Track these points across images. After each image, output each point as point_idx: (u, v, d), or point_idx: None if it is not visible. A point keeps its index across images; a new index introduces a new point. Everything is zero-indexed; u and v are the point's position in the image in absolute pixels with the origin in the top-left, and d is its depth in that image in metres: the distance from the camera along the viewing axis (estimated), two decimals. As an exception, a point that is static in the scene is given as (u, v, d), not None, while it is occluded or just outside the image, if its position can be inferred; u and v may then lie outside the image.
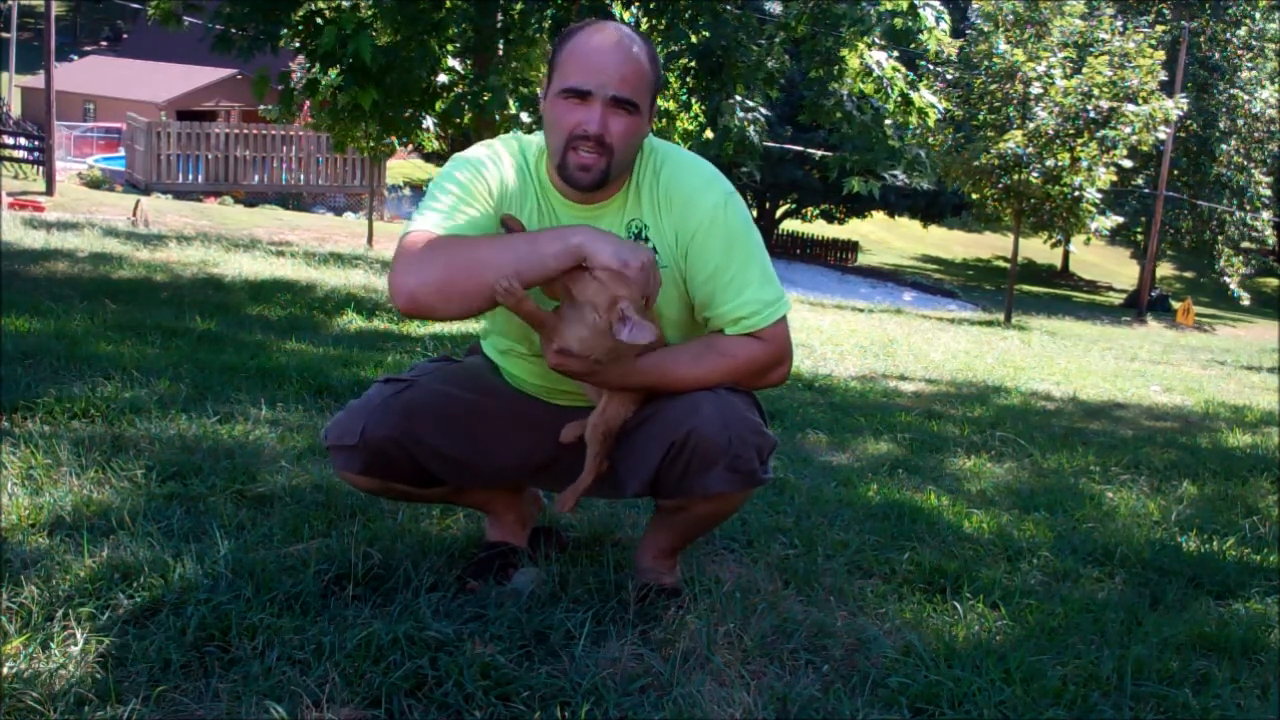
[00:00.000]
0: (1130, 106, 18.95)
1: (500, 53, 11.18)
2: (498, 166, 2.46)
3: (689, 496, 2.46)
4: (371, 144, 16.65)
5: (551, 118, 2.40)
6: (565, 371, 2.39)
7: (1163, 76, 20.17)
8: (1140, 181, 33.67)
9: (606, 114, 2.35)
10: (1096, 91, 19.00)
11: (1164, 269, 44.19)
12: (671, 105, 12.41)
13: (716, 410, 2.37)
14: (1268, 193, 35.78)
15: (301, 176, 29.90)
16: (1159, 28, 22.22)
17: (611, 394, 2.47)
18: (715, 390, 2.41)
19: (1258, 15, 36.00)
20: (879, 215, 42.31)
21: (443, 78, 10.88)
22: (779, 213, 40.94)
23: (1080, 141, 19.04)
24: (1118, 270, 45.05)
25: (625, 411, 2.47)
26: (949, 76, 21.07)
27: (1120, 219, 24.11)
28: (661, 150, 2.52)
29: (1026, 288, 36.51)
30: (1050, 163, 19.10)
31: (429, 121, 11.76)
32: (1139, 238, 37.15)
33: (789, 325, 2.53)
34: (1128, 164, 20.32)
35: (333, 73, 10.65)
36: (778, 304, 2.49)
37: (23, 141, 29.31)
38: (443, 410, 2.54)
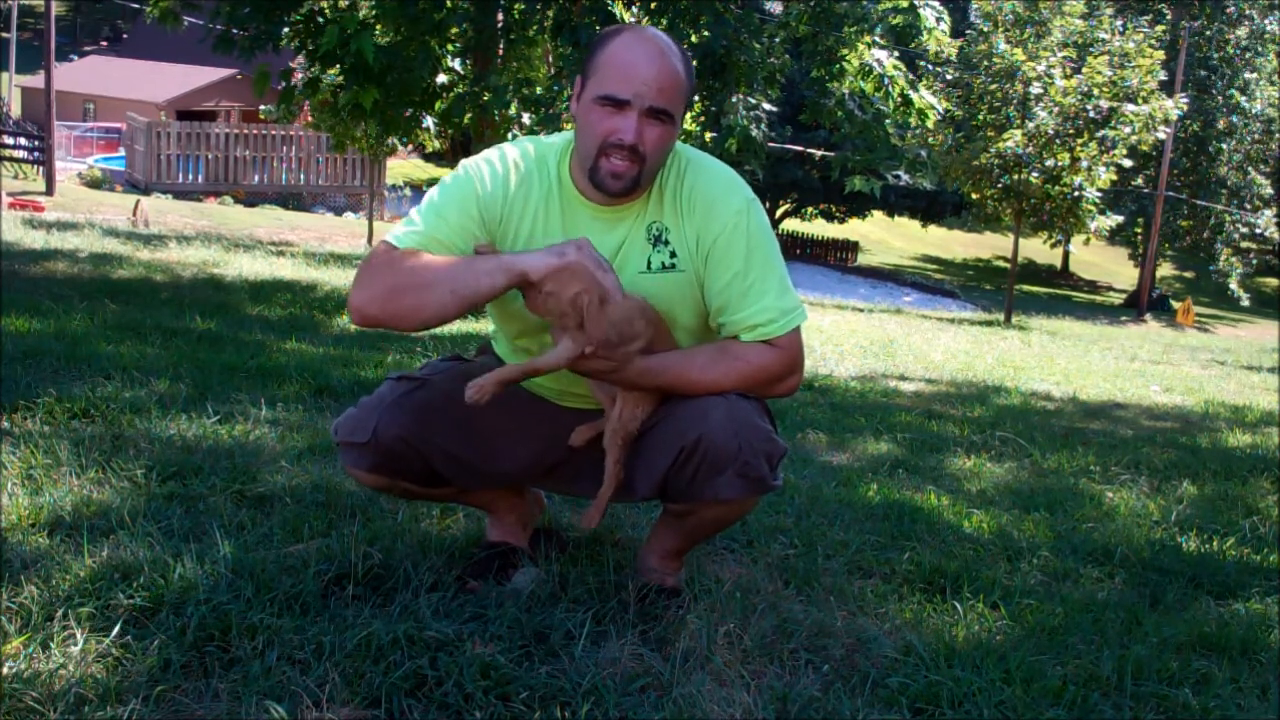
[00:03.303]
0: (1130, 106, 18.94)
1: (501, 53, 11.17)
2: (495, 175, 2.46)
3: (697, 501, 2.47)
4: (372, 143, 16.66)
5: (585, 122, 2.40)
6: (588, 371, 2.41)
7: (1162, 76, 20.16)
8: (1140, 181, 33.68)
9: (643, 124, 2.35)
10: (1096, 91, 19.00)
11: (1164, 269, 44.18)
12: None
13: (727, 416, 2.38)
14: (1269, 191, 35.78)
15: (301, 176, 29.90)
16: (1159, 28, 22.18)
17: (625, 398, 2.47)
18: (726, 396, 2.42)
19: (1256, 15, 36.01)
20: (879, 215, 42.31)
21: (443, 78, 10.88)
22: (779, 213, 40.93)
23: (1080, 141, 19.04)
24: (1118, 270, 45.04)
25: (641, 414, 2.47)
26: (949, 77, 21.06)
27: (1120, 219, 24.11)
28: (685, 155, 2.53)
29: (1026, 288, 36.50)
30: (1050, 163, 19.10)
31: (429, 121, 11.75)
32: (1137, 238, 37.18)
33: (803, 335, 2.54)
34: (1128, 164, 20.31)
35: (333, 72, 10.65)
36: (794, 313, 2.50)
37: (23, 141, 29.31)
38: (455, 411, 2.53)
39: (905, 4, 11.57)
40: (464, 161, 2.52)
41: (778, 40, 12.38)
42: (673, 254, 2.48)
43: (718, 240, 2.46)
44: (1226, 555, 3.52)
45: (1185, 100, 23.08)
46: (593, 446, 2.54)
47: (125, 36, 54.95)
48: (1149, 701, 2.35)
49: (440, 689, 2.10)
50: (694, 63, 10.91)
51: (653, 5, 11.20)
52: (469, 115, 10.44)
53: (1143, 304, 33.53)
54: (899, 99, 11.94)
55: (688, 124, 12.71)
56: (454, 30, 10.70)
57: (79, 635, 2.17)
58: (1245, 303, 35.53)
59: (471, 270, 2.31)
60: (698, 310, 2.53)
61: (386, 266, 2.34)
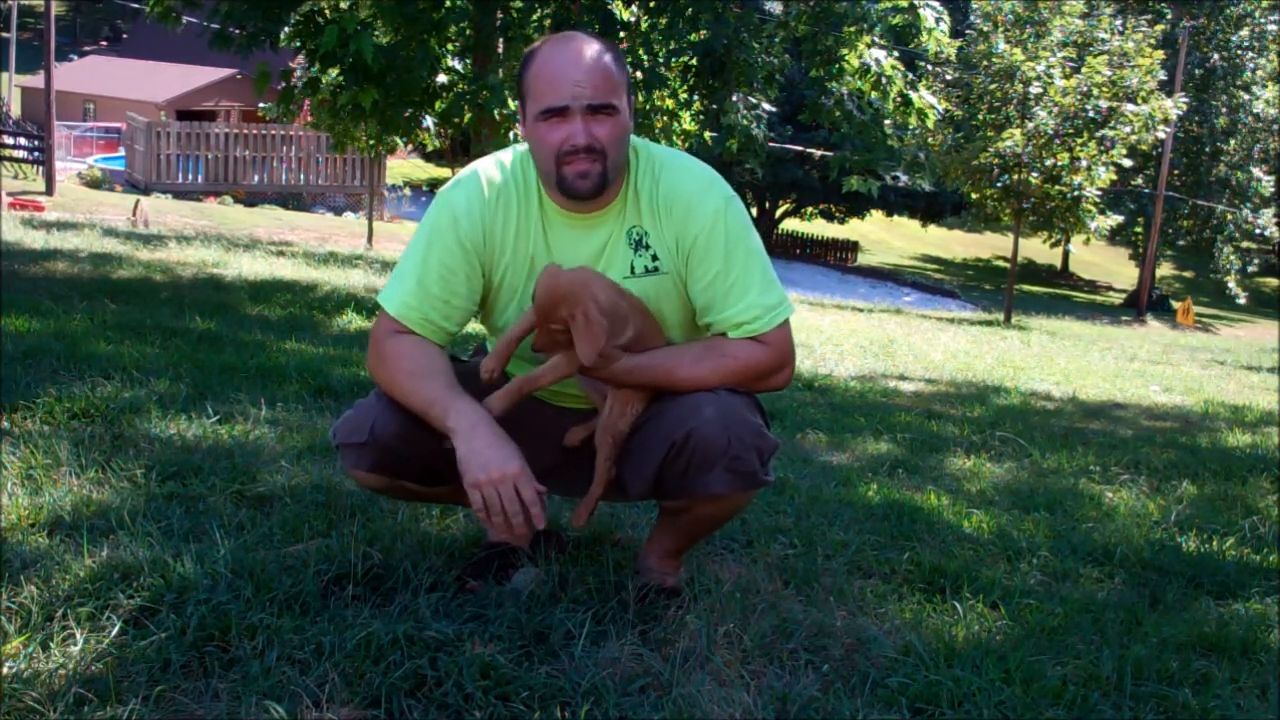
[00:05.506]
0: (1130, 106, 18.95)
1: (500, 51, 11.16)
2: (470, 200, 2.49)
3: (690, 497, 2.47)
4: (372, 143, 16.65)
5: (535, 141, 2.43)
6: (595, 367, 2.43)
7: (1162, 76, 20.17)
8: (1139, 181, 33.68)
9: (589, 123, 2.38)
10: (1096, 91, 19.01)
11: (1164, 269, 44.19)
12: (670, 104, 12.41)
13: (716, 412, 2.38)
14: (1269, 190, 35.75)
15: (301, 176, 29.89)
16: (1158, 27, 22.17)
17: (615, 397, 2.48)
18: (716, 392, 2.42)
19: (1258, 15, 36.00)
20: (878, 215, 42.30)
21: (442, 78, 10.87)
22: (779, 213, 40.92)
23: (1080, 141, 19.05)
24: (1117, 270, 45.04)
25: (632, 413, 2.48)
26: (948, 77, 21.06)
27: (1120, 219, 24.12)
28: (660, 156, 2.54)
29: (1026, 288, 36.50)
30: (1050, 163, 19.11)
31: (429, 121, 11.75)
32: (1137, 238, 37.17)
33: (792, 330, 2.54)
34: (1128, 164, 20.32)
35: (333, 72, 10.64)
36: (779, 308, 2.50)
37: (23, 141, 29.29)
38: None
39: (905, 4, 11.57)
40: (440, 195, 2.56)
41: (777, 40, 12.38)
42: (654, 257, 2.50)
43: (697, 240, 2.47)
44: (1226, 555, 3.52)
45: (1185, 100, 23.07)
46: (588, 447, 2.54)
47: (125, 36, 54.95)
48: (1149, 701, 2.34)
49: (440, 689, 2.10)
50: (693, 62, 10.85)
51: (652, 4, 11.20)
52: (469, 115, 10.44)
53: (1143, 304, 33.52)
54: (897, 99, 11.94)
55: (688, 124, 12.71)
56: (453, 30, 10.69)
57: (79, 635, 2.17)
58: (1242, 300, 35.50)
59: (427, 412, 2.41)
60: (686, 309, 2.55)
61: (378, 346, 2.51)
